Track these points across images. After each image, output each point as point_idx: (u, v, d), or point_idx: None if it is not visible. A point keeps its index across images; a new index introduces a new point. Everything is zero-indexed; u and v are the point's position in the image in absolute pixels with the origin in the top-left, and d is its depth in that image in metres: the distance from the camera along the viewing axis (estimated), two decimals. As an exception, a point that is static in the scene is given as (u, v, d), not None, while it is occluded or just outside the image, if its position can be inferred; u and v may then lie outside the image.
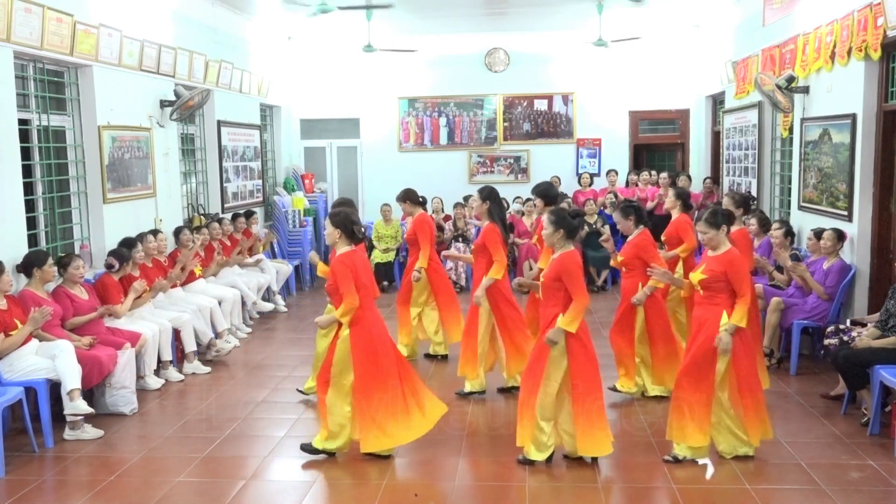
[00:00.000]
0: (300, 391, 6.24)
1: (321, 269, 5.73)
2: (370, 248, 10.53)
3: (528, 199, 11.15)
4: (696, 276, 4.83)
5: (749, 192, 9.68)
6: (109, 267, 6.47)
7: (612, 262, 6.35)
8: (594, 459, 4.82)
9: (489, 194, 6.20)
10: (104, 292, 6.30)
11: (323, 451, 4.95)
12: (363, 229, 5.10)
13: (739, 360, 4.67)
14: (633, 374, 6.01)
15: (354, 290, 4.72)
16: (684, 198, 7.03)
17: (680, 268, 6.75)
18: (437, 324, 7.17)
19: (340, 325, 4.85)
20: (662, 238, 7.21)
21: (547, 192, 6.51)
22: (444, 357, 7.25)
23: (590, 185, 11.86)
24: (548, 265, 4.84)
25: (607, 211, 10.76)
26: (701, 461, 4.78)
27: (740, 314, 4.60)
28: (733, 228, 5.55)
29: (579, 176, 12.13)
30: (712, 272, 4.70)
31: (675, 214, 6.94)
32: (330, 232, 4.89)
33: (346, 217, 4.91)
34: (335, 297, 4.86)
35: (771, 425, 4.87)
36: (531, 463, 4.78)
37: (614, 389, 6.03)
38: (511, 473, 4.73)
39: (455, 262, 10.34)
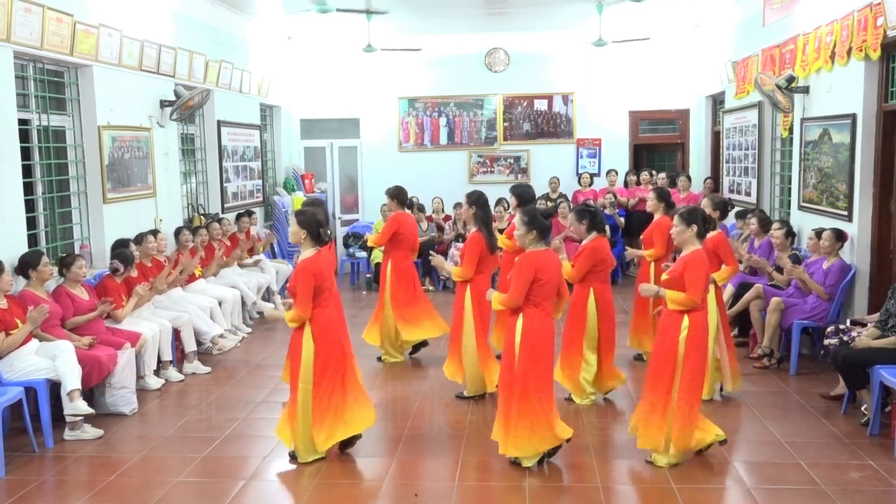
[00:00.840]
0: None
1: None
2: (369, 248, 10.56)
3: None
4: (663, 276, 4.87)
5: (730, 198, 9.65)
6: (114, 271, 6.47)
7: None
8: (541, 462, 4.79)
9: (477, 199, 6.20)
10: (105, 294, 6.29)
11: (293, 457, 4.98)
12: (328, 232, 5.00)
13: (687, 366, 4.67)
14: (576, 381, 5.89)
15: (309, 301, 4.71)
16: (666, 198, 6.95)
17: (652, 272, 6.75)
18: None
19: (300, 327, 4.84)
20: (640, 238, 7.22)
21: (524, 193, 6.56)
22: (424, 343, 7.29)
23: (590, 185, 11.87)
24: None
25: (607, 211, 10.76)
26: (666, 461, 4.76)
27: (675, 297, 4.61)
28: (712, 234, 5.52)
29: (579, 176, 12.14)
30: (673, 273, 4.73)
31: (658, 215, 6.90)
32: (295, 231, 4.80)
33: (311, 216, 4.82)
34: (295, 298, 4.82)
35: (698, 441, 4.74)
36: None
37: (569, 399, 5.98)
38: (511, 473, 4.73)
39: (454, 260, 10.36)
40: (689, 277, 4.61)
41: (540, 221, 4.70)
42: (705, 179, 11.53)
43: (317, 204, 5.93)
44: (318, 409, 4.80)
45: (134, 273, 6.76)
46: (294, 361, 4.85)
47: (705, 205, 6.44)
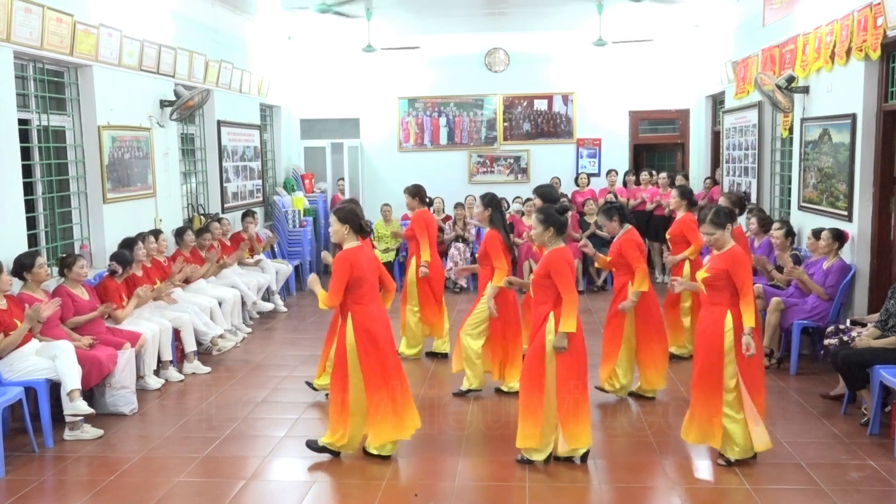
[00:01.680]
0: (309, 384, 6.26)
1: None
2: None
3: (528, 199, 11.15)
4: (701, 274, 4.81)
5: (747, 192, 9.69)
6: (113, 273, 6.46)
7: (597, 264, 6.34)
8: (583, 460, 4.81)
9: (491, 201, 6.21)
10: (105, 295, 6.30)
11: (327, 450, 4.95)
12: (369, 222, 5.10)
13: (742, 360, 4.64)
14: (610, 373, 5.96)
15: (340, 291, 4.70)
16: (688, 195, 7.05)
17: (687, 268, 6.79)
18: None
19: (343, 322, 4.85)
20: (667, 237, 7.23)
21: (548, 194, 6.50)
22: (445, 356, 7.25)
23: (587, 185, 11.86)
24: (539, 262, 4.82)
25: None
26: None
27: (749, 315, 4.52)
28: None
29: (577, 176, 12.13)
30: (715, 270, 4.67)
31: (681, 213, 6.96)
32: (337, 229, 4.82)
33: (350, 211, 4.88)
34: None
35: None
36: (530, 462, 4.79)
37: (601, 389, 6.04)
38: (511, 473, 4.73)
39: (455, 260, 10.38)
40: (736, 274, 4.60)
41: (556, 218, 4.73)
42: (705, 179, 11.54)
43: (353, 202, 5.99)
44: (372, 407, 4.82)
45: (139, 273, 6.76)
46: (341, 361, 4.82)
47: (724, 202, 6.65)
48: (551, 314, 4.65)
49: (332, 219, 4.89)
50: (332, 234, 4.93)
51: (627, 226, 5.95)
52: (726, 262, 4.65)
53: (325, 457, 4.98)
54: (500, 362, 6.20)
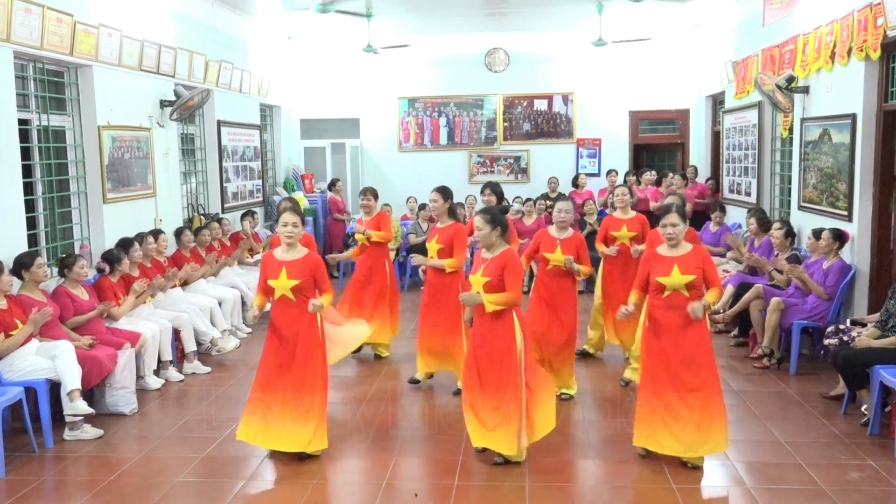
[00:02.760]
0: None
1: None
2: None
3: (528, 200, 11.16)
4: (683, 278, 4.60)
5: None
6: (100, 270, 6.47)
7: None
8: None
9: (448, 193, 6.29)
10: (100, 294, 6.29)
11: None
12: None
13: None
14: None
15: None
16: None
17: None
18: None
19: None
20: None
21: (500, 192, 6.66)
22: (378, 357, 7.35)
23: (585, 185, 11.82)
24: (487, 266, 4.75)
25: (608, 211, 10.76)
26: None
27: (716, 295, 4.71)
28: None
29: (575, 177, 12.11)
30: (698, 270, 4.63)
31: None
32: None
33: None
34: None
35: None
36: (509, 462, 4.81)
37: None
38: (511, 473, 4.73)
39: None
40: (710, 270, 4.68)
41: (502, 219, 4.81)
42: (707, 180, 11.54)
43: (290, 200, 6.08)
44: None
45: (135, 272, 6.76)
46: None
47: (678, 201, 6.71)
48: (514, 313, 4.69)
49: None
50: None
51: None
52: (701, 261, 4.65)
53: (325, 457, 4.98)
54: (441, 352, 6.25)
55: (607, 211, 10.74)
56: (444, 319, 6.11)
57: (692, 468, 4.68)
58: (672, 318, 4.63)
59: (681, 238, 4.71)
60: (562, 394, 5.95)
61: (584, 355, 7.09)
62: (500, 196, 6.65)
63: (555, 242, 5.95)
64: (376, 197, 7.47)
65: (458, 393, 6.15)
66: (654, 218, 11.19)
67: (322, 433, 4.89)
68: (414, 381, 6.43)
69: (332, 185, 12.16)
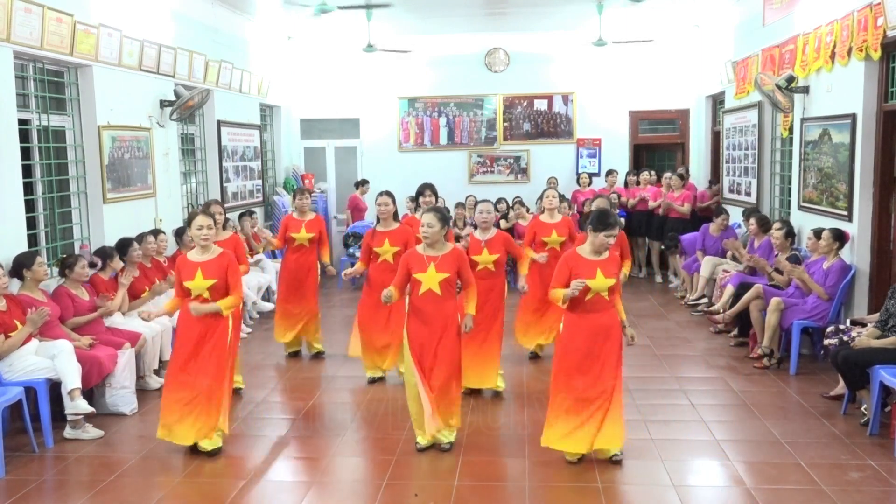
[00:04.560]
0: None
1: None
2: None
3: (518, 202, 11.14)
4: (607, 281, 4.68)
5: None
6: (92, 265, 6.46)
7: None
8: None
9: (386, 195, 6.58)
10: (93, 290, 6.28)
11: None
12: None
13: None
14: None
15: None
16: None
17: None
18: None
19: None
20: None
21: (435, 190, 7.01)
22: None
23: (588, 185, 11.87)
24: (439, 262, 4.93)
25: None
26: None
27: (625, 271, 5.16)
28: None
29: (578, 176, 12.15)
30: (615, 274, 4.77)
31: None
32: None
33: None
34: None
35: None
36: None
37: None
38: (511, 473, 4.74)
39: None
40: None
41: (449, 218, 5.15)
42: (711, 184, 11.54)
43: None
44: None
45: (136, 272, 6.75)
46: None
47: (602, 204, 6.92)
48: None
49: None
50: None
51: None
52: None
53: (325, 457, 4.98)
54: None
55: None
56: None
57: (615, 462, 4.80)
58: (594, 322, 4.73)
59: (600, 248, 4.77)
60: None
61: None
62: (437, 196, 7.05)
63: (479, 244, 6.15)
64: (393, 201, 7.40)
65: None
66: (652, 218, 11.26)
67: (221, 422, 5.05)
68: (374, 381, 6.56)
69: (361, 184, 12.13)
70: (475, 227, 6.64)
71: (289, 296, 7.30)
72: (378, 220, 6.59)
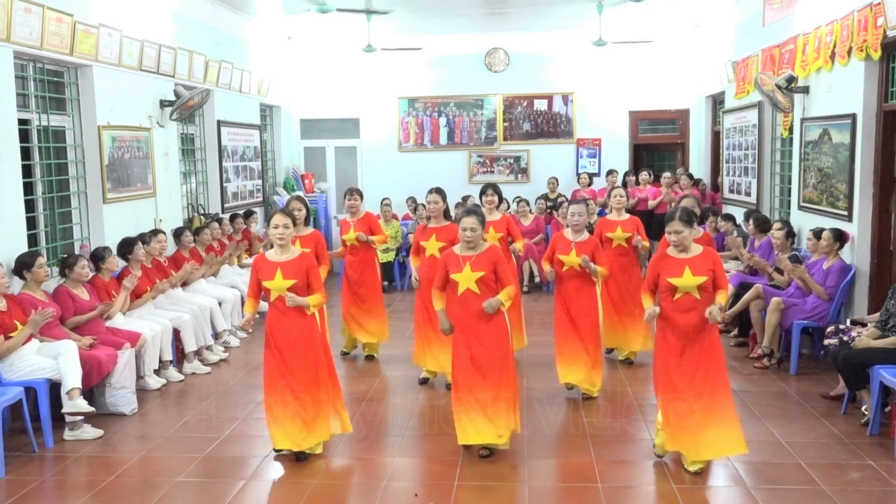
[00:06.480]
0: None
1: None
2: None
3: (521, 200, 11.16)
4: (696, 279, 4.56)
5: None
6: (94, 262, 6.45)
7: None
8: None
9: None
10: (92, 290, 6.28)
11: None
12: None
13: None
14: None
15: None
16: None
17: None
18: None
19: None
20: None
21: (499, 191, 6.98)
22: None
23: (588, 184, 11.87)
24: (474, 261, 4.89)
25: (606, 212, 10.75)
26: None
27: (724, 297, 4.65)
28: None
29: (578, 176, 12.14)
30: (709, 272, 4.60)
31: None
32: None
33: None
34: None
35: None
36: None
37: None
38: (511, 473, 4.73)
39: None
40: (719, 272, 4.66)
41: (484, 218, 5.14)
42: (712, 185, 11.55)
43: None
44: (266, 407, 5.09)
45: (139, 274, 6.74)
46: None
47: (692, 204, 6.94)
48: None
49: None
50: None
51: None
52: (711, 263, 4.61)
53: (325, 457, 4.98)
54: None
55: (606, 211, 10.75)
56: None
57: (695, 473, 4.64)
58: (684, 321, 4.60)
59: (688, 244, 4.66)
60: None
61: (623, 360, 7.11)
62: (501, 197, 6.96)
63: (570, 245, 6.01)
64: (362, 197, 7.47)
65: (450, 387, 6.16)
66: (652, 218, 11.28)
67: (344, 420, 5.10)
68: (424, 381, 6.47)
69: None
70: None
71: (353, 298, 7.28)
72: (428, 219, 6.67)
